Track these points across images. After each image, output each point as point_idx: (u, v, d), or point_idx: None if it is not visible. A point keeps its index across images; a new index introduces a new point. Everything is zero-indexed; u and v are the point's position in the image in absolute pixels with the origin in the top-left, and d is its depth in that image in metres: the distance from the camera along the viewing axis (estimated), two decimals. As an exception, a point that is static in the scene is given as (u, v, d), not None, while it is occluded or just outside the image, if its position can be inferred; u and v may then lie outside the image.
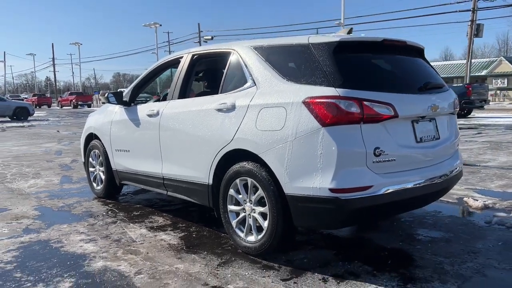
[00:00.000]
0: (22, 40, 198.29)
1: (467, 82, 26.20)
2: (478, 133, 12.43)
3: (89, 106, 45.11)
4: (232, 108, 3.39)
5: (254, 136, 3.17)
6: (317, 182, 2.82)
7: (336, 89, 2.83)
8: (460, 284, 2.81)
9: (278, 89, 3.13)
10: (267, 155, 3.07)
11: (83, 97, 45.31)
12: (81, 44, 49.98)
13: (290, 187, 2.94)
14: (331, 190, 2.78)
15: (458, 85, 20.20)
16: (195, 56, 4.13)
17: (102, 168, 5.27)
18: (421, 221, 4.18)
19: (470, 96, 18.09)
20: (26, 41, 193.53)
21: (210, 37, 39.02)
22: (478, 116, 20.03)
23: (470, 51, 27.01)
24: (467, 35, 26.36)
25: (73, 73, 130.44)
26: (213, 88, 4.14)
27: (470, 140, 10.66)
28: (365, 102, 2.80)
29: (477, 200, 4.73)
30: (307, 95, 2.91)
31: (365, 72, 3.07)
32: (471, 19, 26.02)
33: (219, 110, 3.50)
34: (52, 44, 69.52)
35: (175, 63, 4.36)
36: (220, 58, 3.84)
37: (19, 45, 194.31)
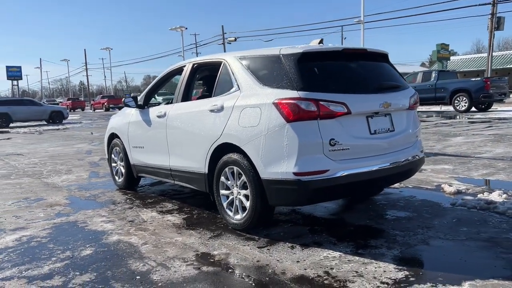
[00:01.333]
0: (56, 47, 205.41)
1: (488, 75, 26.01)
2: (488, 127, 12.68)
3: (120, 108, 46.74)
4: (221, 109, 4.09)
5: (237, 132, 3.86)
6: (284, 167, 3.48)
7: (298, 92, 3.49)
8: (403, 250, 3.41)
9: (256, 93, 3.81)
10: (247, 147, 3.75)
11: (114, 100, 47.07)
12: (112, 48, 51.94)
13: (264, 172, 3.62)
14: (295, 173, 3.44)
15: (477, 79, 20.19)
16: (195, 65, 4.85)
17: (122, 163, 6.08)
18: (394, 204, 4.77)
19: (489, 90, 18.14)
20: (60, 48, 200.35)
21: (234, 38, 40.00)
22: (498, 110, 20.02)
23: (491, 45, 26.79)
24: (487, 29, 26.20)
25: (105, 76, 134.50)
26: (209, 92, 4.86)
27: (477, 134, 10.99)
28: (321, 102, 3.45)
29: (451, 186, 5.25)
30: (276, 97, 3.58)
31: (324, 77, 3.70)
32: (491, 13, 25.86)
33: (212, 110, 4.20)
34: (85, 49, 72.38)
35: (179, 71, 5.10)
36: (214, 67, 4.55)
37: (53, 51, 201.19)
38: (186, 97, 4.82)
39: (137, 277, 3.09)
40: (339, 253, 3.39)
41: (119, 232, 4.16)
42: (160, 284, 2.96)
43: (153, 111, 5.25)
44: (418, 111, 17.85)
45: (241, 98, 3.93)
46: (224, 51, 42.87)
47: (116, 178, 6.33)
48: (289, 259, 3.30)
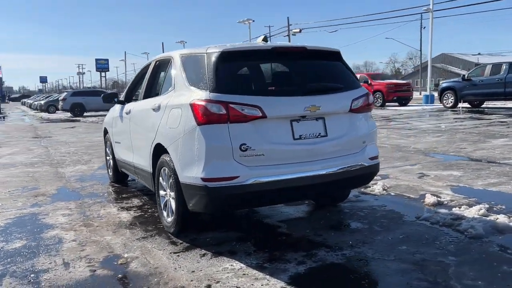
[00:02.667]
0: (139, 41, 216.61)
1: None
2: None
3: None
4: (158, 108, 4.03)
5: (165, 132, 3.78)
6: (195, 172, 3.35)
7: (210, 93, 3.32)
8: (312, 267, 3.13)
9: (183, 92, 3.69)
10: (170, 149, 3.66)
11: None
12: (186, 42, 53.65)
13: (182, 176, 3.51)
14: (202, 179, 3.29)
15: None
16: (157, 62, 4.82)
17: (110, 157, 6.26)
18: (354, 213, 4.41)
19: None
20: (142, 42, 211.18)
21: (298, 30, 39.52)
22: None
23: None
24: None
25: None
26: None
27: (526, 135, 9.85)
28: (231, 105, 3.25)
29: (435, 197, 4.74)
30: (192, 98, 3.44)
31: (241, 78, 3.48)
32: None
33: (153, 109, 4.15)
34: (162, 43, 75.71)
35: (148, 68, 5.11)
36: (165, 64, 4.49)
37: (136, 45, 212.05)
38: (148, 94, 4.81)
39: (31, 275, 3.15)
40: (243, 265, 3.20)
41: (64, 227, 4.27)
42: (44, 284, 2.99)
43: (126, 108, 5.32)
44: (484, 107, 16.58)
45: (172, 97, 3.84)
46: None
47: (109, 171, 6.54)
48: (187, 268, 3.18)
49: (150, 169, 4.29)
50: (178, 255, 3.43)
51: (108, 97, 5.61)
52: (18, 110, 50.00)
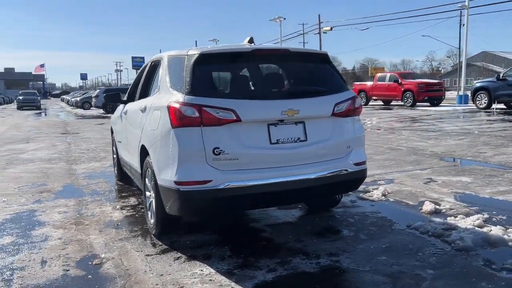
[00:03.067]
0: (173, 39, 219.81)
1: None
2: None
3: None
4: (144, 109, 4.04)
5: (147, 134, 3.79)
6: (169, 175, 3.34)
7: (185, 96, 3.30)
8: (281, 275, 3.06)
9: (164, 94, 3.69)
10: (150, 151, 3.67)
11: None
12: (218, 40, 54.01)
13: (159, 178, 3.50)
14: (175, 182, 3.28)
15: None
16: (152, 63, 4.85)
17: (115, 156, 6.36)
18: (344, 220, 4.29)
19: None
20: (175, 40, 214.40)
21: (329, 27, 38.97)
22: None
23: None
24: None
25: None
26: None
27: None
28: (204, 108, 3.22)
29: (432, 204, 4.55)
30: (170, 100, 3.43)
31: (218, 81, 3.44)
32: None
33: (141, 110, 4.18)
34: (196, 41, 76.47)
35: (145, 68, 5.14)
36: (157, 65, 4.50)
37: (170, 43, 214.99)
38: (143, 94, 4.84)
39: (7, 273, 3.22)
40: (213, 270, 3.16)
41: (55, 225, 4.36)
42: (16, 282, 3.06)
43: (125, 108, 5.38)
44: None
45: (156, 99, 3.85)
46: (320, 41, 42.06)
47: (115, 169, 6.65)
48: (157, 271, 3.18)
49: (139, 169, 4.32)
50: (152, 258, 3.43)
51: (110, 97, 5.68)
52: (57, 106, 51.79)
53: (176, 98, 3.35)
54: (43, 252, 3.61)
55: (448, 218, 4.13)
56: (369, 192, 5.23)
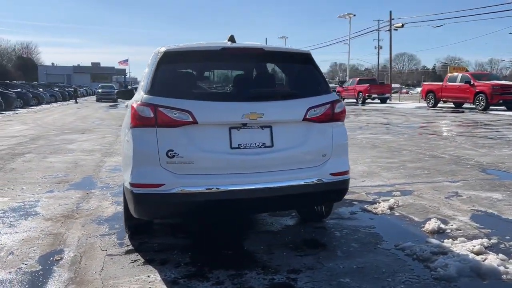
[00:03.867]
0: (245, 35, 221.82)
1: None
2: None
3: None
4: (127, 107, 4.02)
5: (122, 133, 3.75)
6: (127, 176, 3.27)
7: (144, 95, 3.21)
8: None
9: (137, 93, 3.63)
10: (120, 150, 3.63)
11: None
12: (287, 37, 53.86)
13: (123, 179, 3.45)
14: (130, 184, 3.20)
15: None
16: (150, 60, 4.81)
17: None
18: (331, 232, 3.98)
19: None
20: (247, 36, 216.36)
21: (401, 24, 37.11)
22: None
23: None
24: None
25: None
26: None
27: None
28: (160, 108, 3.10)
29: (438, 222, 4.09)
30: (134, 99, 3.35)
31: (179, 80, 3.28)
32: None
33: (127, 107, 4.16)
34: (266, 38, 76.87)
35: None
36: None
37: (242, 39, 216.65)
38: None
39: (-29, 261, 3.34)
40: (159, 277, 3.05)
41: (46, 217, 4.48)
42: (-28, 272, 3.15)
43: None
44: None
45: (133, 97, 3.80)
46: (390, 38, 40.26)
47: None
48: (106, 273, 3.12)
49: None
50: (111, 259, 3.39)
51: (121, 93, 5.74)
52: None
53: (139, 97, 3.27)
54: (16, 243, 3.71)
55: (446, 240, 3.67)
56: (376, 203, 4.83)
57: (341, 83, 36.02)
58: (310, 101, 3.36)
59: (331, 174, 3.41)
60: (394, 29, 38.36)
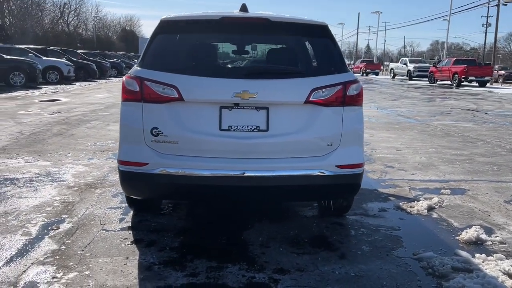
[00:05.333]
0: (335, 9, 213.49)
1: None
2: None
3: (377, 74, 46.24)
4: None
5: None
6: (118, 152, 3.14)
7: (136, 67, 3.02)
8: (186, 282, 2.66)
9: None
10: None
11: (372, 65, 46.83)
12: (381, 12, 51.01)
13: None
14: (118, 161, 3.07)
15: None
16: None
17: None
18: (346, 230, 3.56)
19: None
20: (337, 12, 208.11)
21: (511, -1, 32.95)
22: None
23: None
24: None
25: (385, 41, 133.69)
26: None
27: None
28: (146, 82, 2.88)
29: (479, 232, 3.48)
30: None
31: (169, 52, 3.01)
32: None
33: None
34: (358, 13, 73.44)
35: None
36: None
37: (333, 14, 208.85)
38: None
39: (-21, 222, 3.47)
40: (136, 261, 2.91)
41: (72, 185, 4.56)
42: (-27, 233, 3.27)
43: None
44: None
45: None
46: (497, 13, 36.17)
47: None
48: (91, 250, 3.05)
49: None
50: (104, 234, 3.32)
51: None
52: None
53: (131, 70, 3.09)
54: (27, 209, 3.79)
55: (478, 255, 3.07)
56: (415, 201, 4.25)
57: (437, 63, 33.32)
58: (315, 81, 2.93)
59: (338, 166, 2.98)
60: (503, 4, 34.32)
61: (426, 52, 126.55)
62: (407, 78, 35.35)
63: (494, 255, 3.06)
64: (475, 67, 28.19)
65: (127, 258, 2.93)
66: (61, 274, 2.68)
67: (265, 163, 2.89)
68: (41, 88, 17.60)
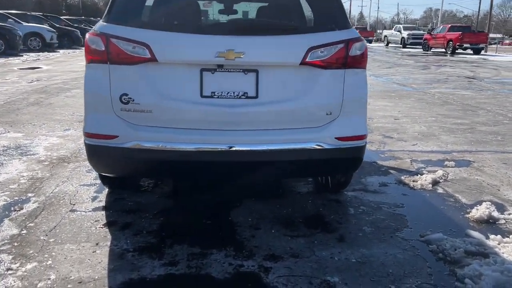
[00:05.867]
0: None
1: None
2: None
3: (370, 42, 45.45)
4: None
5: None
6: (84, 123, 2.72)
7: (101, 22, 2.56)
8: (163, 274, 2.30)
9: None
10: None
11: (365, 33, 45.93)
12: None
13: None
14: (84, 133, 2.65)
15: None
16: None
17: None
18: (345, 208, 3.21)
19: None
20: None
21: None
22: None
23: None
24: None
25: (378, 8, 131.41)
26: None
27: None
28: (112, 39, 2.44)
29: (491, 208, 3.15)
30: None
31: (141, 4, 2.56)
32: None
33: None
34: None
35: None
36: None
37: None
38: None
39: None
40: (107, 248, 2.54)
41: (43, 159, 4.16)
42: None
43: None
44: None
45: None
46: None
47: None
48: (55, 235, 2.68)
49: None
50: (72, 216, 2.95)
51: None
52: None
53: (96, 26, 2.63)
54: (-10, 186, 3.39)
55: (493, 236, 2.75)
56: (418, 175, 3.92)
57: (431, 30, 32.62)
58: (313, 39, 2.50)
59: (338, 138, 2.59)
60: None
61: (419, 19, 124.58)
62: (401, 45, 34.71)
63: (511, 236, 2.74)
64: (470, 33, 27.61)
65: (97, 244, 2.57)
66: (17, 265, 2.31)
67: (254, 135, 2.50)
68: (22, 55, 16.85)
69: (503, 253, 2.55)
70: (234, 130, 2.49)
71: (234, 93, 2.47)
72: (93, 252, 2.48)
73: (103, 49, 2.45)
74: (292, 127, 2.54)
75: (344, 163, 2.73)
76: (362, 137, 2.68)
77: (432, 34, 29.95)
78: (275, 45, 2.48)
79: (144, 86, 2.45)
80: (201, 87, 2.46)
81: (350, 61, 2.56)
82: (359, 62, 2.61)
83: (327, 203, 3.28)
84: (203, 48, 2.41)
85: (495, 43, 36.51)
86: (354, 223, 2.95)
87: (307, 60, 2.48)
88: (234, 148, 2.48)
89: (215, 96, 2.47)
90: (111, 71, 2.46)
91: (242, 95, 2.48)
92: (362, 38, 2.63)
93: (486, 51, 29.92)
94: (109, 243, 2.57)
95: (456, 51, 27.33)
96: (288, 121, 2.54)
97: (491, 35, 37.80)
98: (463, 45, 26.94)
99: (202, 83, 2.46)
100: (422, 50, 30.52)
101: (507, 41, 60.28)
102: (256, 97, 2.49)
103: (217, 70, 2.46)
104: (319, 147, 2.56)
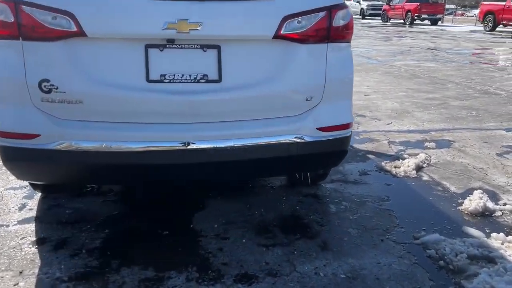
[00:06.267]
0: None
1: None
2: None
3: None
4: None
5: None
6: None
7: (11, -14, 1.93)
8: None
9: None
10: None
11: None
12: None
13: None
14: (-3, 130, 2.04)
15: None
16: None
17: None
18: (325, 206, 2.78)
19: None
20: None
21: None
22: None
23: None
24: None
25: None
26: None
27: None
28: (24, 7, 1.83)
29: (484, 198, 2.81)
30: None
31: None
32: None
33: None
34: None
35: None
36: None
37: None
38: None
39: None
40: (34, 278, 1.99)
41: None
42: None
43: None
44: None
45: None
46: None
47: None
48: (-35, 260, 2.09)
49: None
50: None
51: None
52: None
53: None
54: None
55: (494, 235, 2.41)
56: (399, 159, 3.54)
57: (389, 1, 32.52)
58: (288, 5, 1.99)
59: (320, 129, 2.12)
60: None
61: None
62: (360, 17, 34.50)
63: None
64: (427, 4, 27.68)
65: (21, 272, 2.02)
66: None
67: (217, 129, 1.99)
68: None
69: (509, 255, 2.20)
70: (191, 123, 1.97)
71: (190, 76, 1.94)
72: (14, 285, 1.93)
73: (12, 20, 1.84)
74: (264, 117, 2.05)
75: (327, 157, 2.27)
76: (347, 126, 2.23)
77: (391, 5, 29.86)
78: (242, 13, 1.95)
79: (70, 69, 1.87)
80: (146, 69, 1.91)
81: (334, 33, 2.07)
82: (344, 34, 2.12)
83: (303, 199, 2.84)
84: (148, 17, 1.85)
85: (450, 14, 36.97)
86: (338, 224, 2.53)
87: (281, 32, 1.97)
88: (192, 146, 1.96)
89: (166, 81, 1.92)
90: (25, 49, 1.86)
91: (200, 79, 1.95)
92: (347, 4, 2.14)
93: (442, 22, 30.22)
94: (37, 271, 2.03)
95: (415, 21, 27.40)
96: (260, 109, 2.04)
97: (445, 6, 38.20)
98: (421, 16, 27.02)
99: (148, 64, 1.91)
100: (381, 21, 30.42)
101: (459, 12, 61.48)
102: (219, 80, 1.96)
103: (167, 46, 1.91)
104: (299, 140, 2.09)
